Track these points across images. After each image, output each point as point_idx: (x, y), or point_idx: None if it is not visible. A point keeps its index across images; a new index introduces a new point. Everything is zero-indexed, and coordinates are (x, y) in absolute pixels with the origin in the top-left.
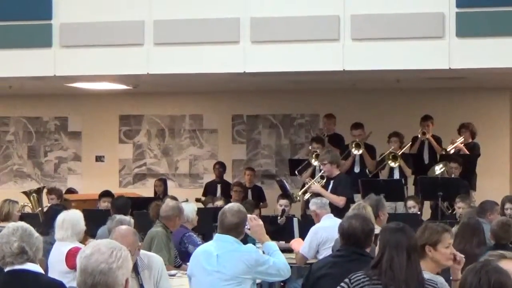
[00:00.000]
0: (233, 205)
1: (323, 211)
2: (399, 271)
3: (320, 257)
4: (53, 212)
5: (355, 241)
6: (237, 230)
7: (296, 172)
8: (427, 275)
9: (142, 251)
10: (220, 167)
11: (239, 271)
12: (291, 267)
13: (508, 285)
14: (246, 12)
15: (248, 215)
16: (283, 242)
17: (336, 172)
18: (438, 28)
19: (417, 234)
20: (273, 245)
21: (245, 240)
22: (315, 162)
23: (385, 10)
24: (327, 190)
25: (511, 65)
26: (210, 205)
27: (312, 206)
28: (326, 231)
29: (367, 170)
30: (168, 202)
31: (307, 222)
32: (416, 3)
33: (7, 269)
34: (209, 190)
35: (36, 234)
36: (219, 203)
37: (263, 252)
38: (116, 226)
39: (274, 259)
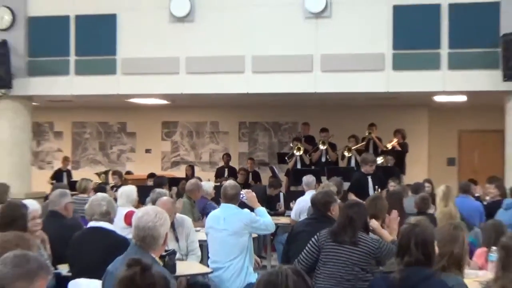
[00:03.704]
0: (231, 182)
1: (306, 188)
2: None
3: (300, 219)
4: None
5: (317, 208)
6: (235, 198)
7: (286, 158)
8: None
9: (177, 214)
10: (227, 156)
11: (240, 228)
12: (278, 226)
13: (428, 241)
14: (249, 51)
15: (245, 189)
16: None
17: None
18: (380, 63)
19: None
20: (263, 209)
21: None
22: (297, 153)
23: (344, 51)
24: None
25: (427, 90)
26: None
27: (303, 182)
28: (306, 202)
29: (328, 157)
30: (191, 180)
31: (290, 196)
32: (364, 46)
33: (90, 224)
34: (219, 173)
35: (115, 204)
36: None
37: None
38: (156, 197)
39: (264, 219)
